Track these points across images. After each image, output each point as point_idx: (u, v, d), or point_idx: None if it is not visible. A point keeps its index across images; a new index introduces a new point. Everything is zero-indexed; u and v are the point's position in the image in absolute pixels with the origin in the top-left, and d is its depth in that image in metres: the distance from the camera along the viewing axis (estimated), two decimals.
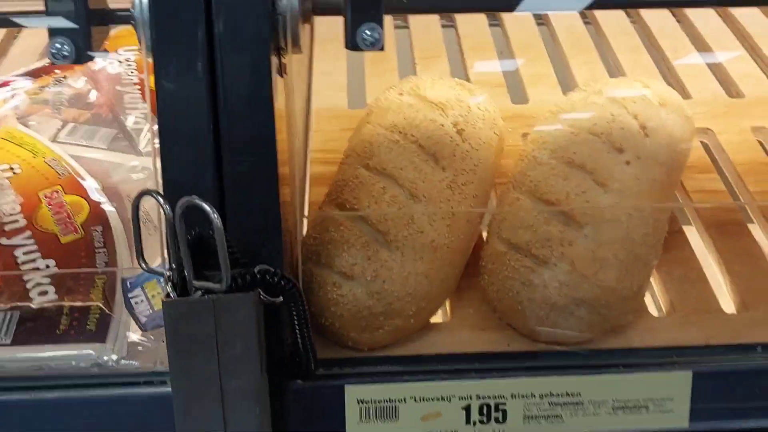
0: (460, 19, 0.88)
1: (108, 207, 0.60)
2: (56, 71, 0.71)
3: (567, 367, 0.53)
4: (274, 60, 0.44)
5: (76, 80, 0.70)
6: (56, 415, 0.51)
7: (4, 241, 0.57)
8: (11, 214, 0.59)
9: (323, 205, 0.58)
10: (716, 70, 0.81)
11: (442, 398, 0.52)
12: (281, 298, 0.45)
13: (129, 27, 0.43)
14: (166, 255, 0.45)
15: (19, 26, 0.43)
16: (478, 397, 0.52)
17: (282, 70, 0.47)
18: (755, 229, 0.64)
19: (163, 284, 0.45)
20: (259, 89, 0.44)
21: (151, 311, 0.55)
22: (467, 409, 0.52)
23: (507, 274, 0.54)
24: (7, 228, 0.58)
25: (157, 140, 0.45)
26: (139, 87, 0.69)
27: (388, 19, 0.46)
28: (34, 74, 0.71)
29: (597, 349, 0.54)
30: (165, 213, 0.42)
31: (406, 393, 0.52)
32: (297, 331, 0.47)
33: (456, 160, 0.58)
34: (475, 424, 0.52)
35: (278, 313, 0.47)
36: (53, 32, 0.42)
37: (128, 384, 0.51)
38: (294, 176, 0.53)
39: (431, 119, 0.59)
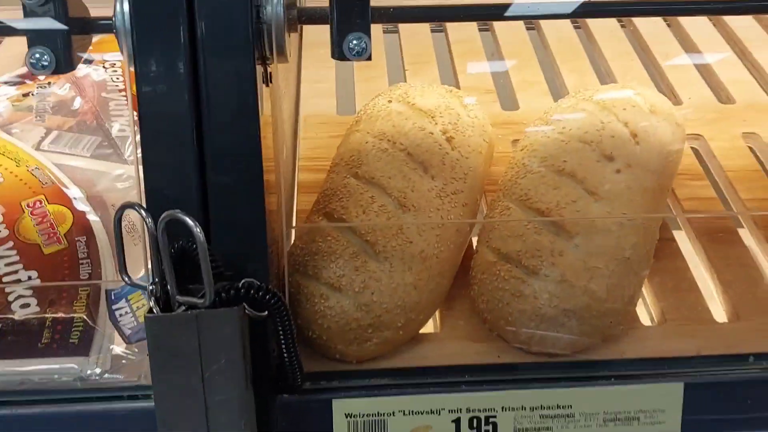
0: (450, 23, 0.87)
1: (92, 217, 0.59)
2: (40, 78, 0.70)
3: (558, 379, 0.52)
4: (260, 69, 0.44)
5: (61, 87, 0.69)
6: (38, 431, 0.50)
7: None
8: None
9: (311, 215, 0.57)
10: (707, 75, 0.81)
11: (432, 411, 0.51)
12: (267, 313, 0.45)
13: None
14: (149, 267, 0.44)
15: None
16: (468, 410, 0.51)
17: (268, 79, 0.46)
18: (745, 235, 0.64)
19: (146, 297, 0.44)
20: (244, 99, 0.43)
21: (135, 323, 0.54)
22: (457, 422, 0.52)
23: (497, 285, 0.54)
24: None
25: (140, 150, 0.44)
26: (124, 94, 0.68)
27: (377, 24, 0.46)
28: (17, 81, 0.70)
29: (588, 360, 0.54)
30: (147, 226, 0.42)
31: (394, 406, 0.51)
32: (283, 346, 0.46)
33: (445, 168, 0.57)
34: None
35: (264, 325, 0.46)
36: (32, 41, 0.41)
37: (112, 398, 0.51)
38: (280, 184, 0.53)
39: (420, 127, 0.58)
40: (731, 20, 0.88)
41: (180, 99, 0.43)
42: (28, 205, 0.59)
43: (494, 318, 0.54)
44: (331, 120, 0.74)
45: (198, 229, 0.41)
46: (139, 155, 0.45)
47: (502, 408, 0.52)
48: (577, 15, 0.44)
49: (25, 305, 0.54)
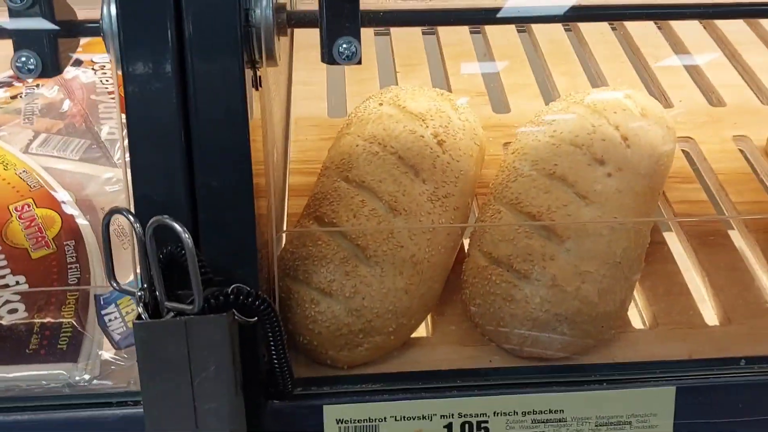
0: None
1: (81, 220, 0.59)
2: (28, 80, 0.69)
3: (550, 384, 0.52)
4: (249, 73, 0.43)
5: (49, 89, 0.68)
6: None
7: None
8: None
9: (301, 219, 0.57)
10: (698, 78, 0.81)
11: (423, 417, 0.51)
12: (256, 319, 0.44)
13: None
14: (138, 273, 0.44)
15: None
16: (460, 414, 0.51)
17: (257, 83, 0.46)
18: (736, 237, 0.64)
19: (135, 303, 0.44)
20: (233, 103, 0.43)
21: (125, 328, 0.54)
22: (449, 428, 0.51)
23: (488, 289, 0.53)
24: None
25: (128, 154, 0.44)
26: (113, 96, 0.68)
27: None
28: (5, 83, 0.70)
29: (580, 364, 0.54)
30: (135, 232, 0.41)
31: (386, 412, 0.51)
32: (273, 352, 0.46)
33: (436, 172, 0.57)
34: None
35: (254, 331, 0.46)
36: (18, 45, 0.41)
37: (101, 405, 0.50)
38: (271, 188, 0.52)
39: (411, 130, 0.58)
40: (722, 23, 0.88)
41: (168, 103, 0.43)
42: (15, 209, 0.58)
43: (486, 322, 0.54)
44: (322, 122, 0.73)
45: (186, 235, 0.41)
46: (128, 159, 0.44)
47: (494, 413, 0.51)
48: (568, 19, 0.43)
49: (13, 310, 0.54)
